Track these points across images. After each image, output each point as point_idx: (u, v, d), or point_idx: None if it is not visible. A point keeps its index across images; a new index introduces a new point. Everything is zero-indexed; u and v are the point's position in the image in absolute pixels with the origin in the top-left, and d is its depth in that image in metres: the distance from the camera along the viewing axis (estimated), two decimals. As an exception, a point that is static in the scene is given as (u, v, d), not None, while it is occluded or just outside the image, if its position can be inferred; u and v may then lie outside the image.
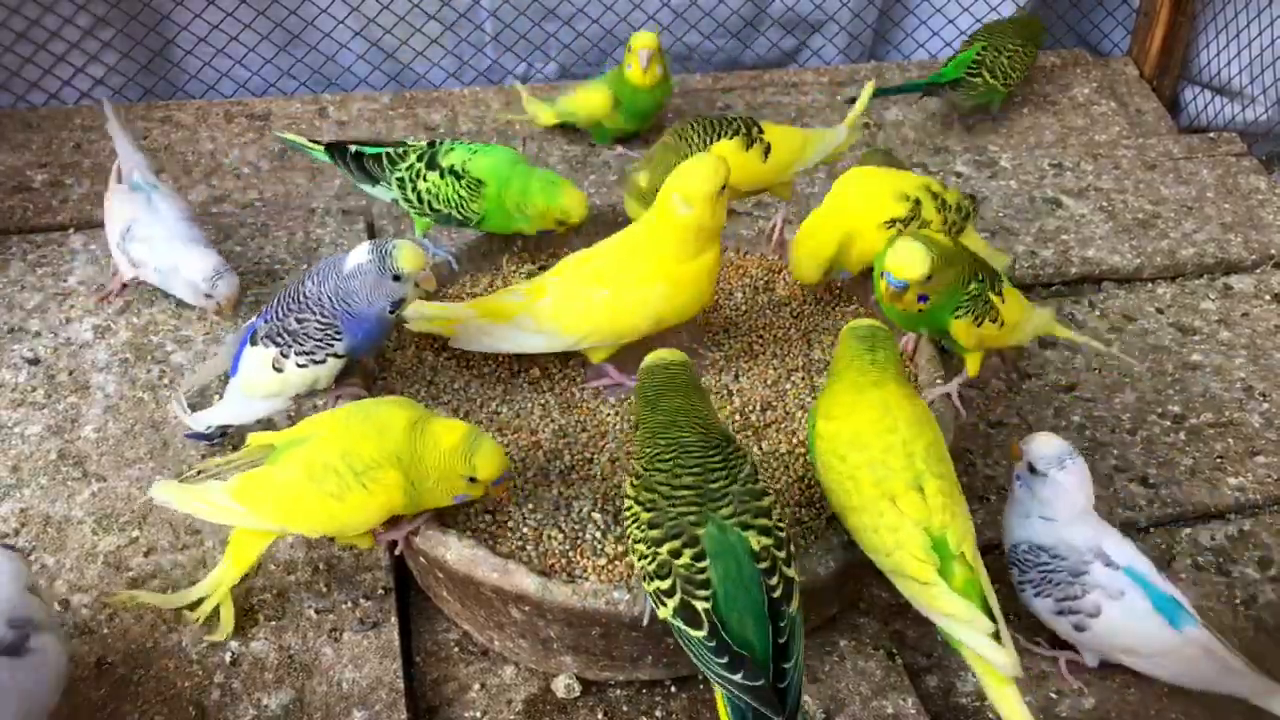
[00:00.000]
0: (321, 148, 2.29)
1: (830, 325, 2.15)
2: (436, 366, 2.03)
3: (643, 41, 2.81)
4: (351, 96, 3.17)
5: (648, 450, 1.63)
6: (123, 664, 1.74)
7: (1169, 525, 2.14)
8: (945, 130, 3.20)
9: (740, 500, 1.56)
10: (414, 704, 1.75)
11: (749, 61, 3.49)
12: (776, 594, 1.50)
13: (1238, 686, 1.73)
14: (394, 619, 1.82)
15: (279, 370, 1.84)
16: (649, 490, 1.58)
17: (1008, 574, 1.85)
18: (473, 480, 1.65)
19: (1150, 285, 2.71)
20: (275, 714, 1.69)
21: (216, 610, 1.77)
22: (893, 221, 2.04)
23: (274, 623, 1.81)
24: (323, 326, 1.82)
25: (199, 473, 1.74)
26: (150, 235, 2.25)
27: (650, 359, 1.74)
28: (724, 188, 1.87)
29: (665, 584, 1.51)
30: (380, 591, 1.86)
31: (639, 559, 1.55)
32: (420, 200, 2.18)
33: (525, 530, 1.75)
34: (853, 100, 3.10)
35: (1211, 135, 3.20)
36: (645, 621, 1.62)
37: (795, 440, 1.92)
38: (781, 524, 1.57)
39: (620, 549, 1.73)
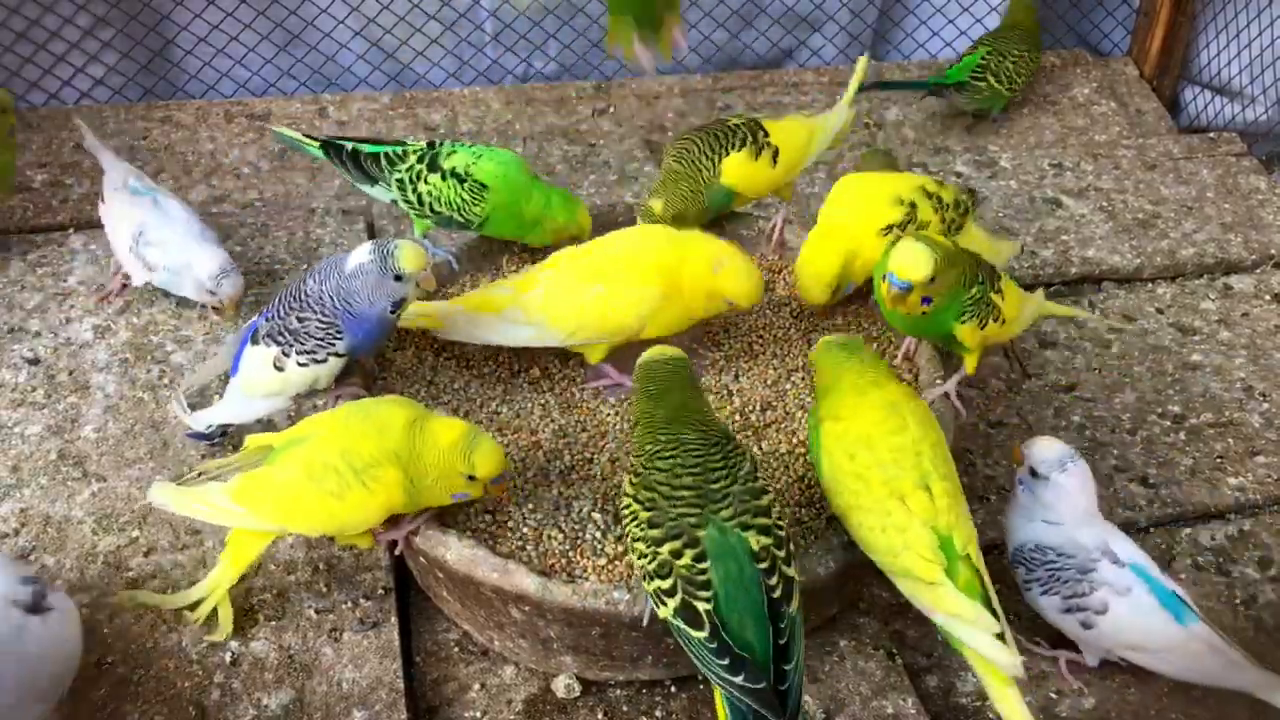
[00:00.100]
0: (316, 143, 2.26)
1: (830, 325, 2.14)
2: (436, 366, 2.03)
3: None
4: (351, 96, 3.17)
5: (647, 447, 1.63)
6: (123, 664, 1.74)
7: (1169, 525, 2.14)
8: (945, 130, 3.20)
9: (740, 500, 1.55)
10: (414, 704, 1.75)
11: (748, 61, 3.49)
12: (776, 594, 1.50)
13: (1241, 681, 1.73)
14: (394, 619, 1.82)
15: (280, 369, 1.84)
16: (648, 489, 1.57)
17: (1011, 574, 1.85)
18: (471, 478, 1.66)
19: (1150, 285, 2.71)
20: (275, 714, 1.69)
21: (215, 610, 1.77)
22: (890, 228, 2.04)
23: (274, 623, 1.81)
24: (324, 325, 1.82)
25: (199, 475, 1.74)
26: (164, 238, 2.25)
27: (648, 354, 1.74)
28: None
29: (666, 583, 1.51)
30: (380, 591, 1.86)
31: (638, 557, 1.55)
32: (421, 202, 2.17)
33: (525, 530, 1.75)
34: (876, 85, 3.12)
35: (1211, 135, 3.20)
36: (645, 621, 1.62)
37: (795, 440, 1.92)
38: (781, 522, 1.57)
39: (620, 549, 1.73)
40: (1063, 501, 1.78)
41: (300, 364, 1.83)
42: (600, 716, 1.76)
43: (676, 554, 1.51)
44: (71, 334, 2.30)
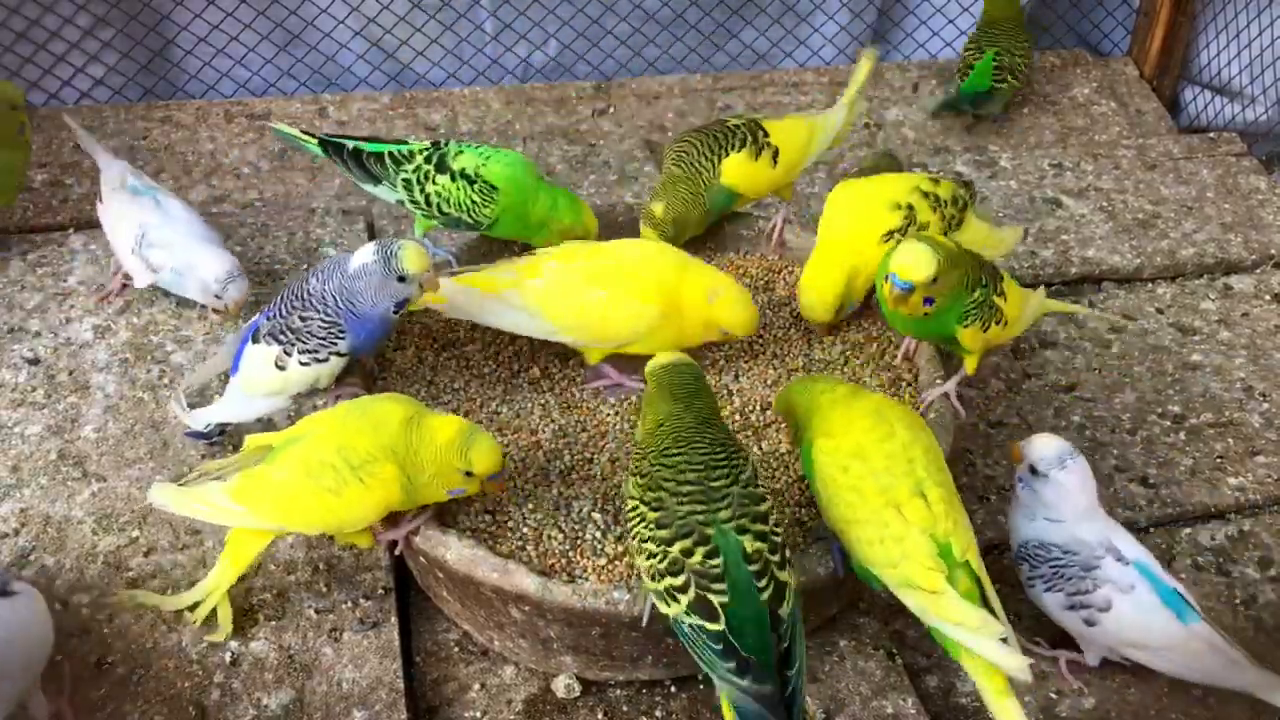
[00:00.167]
0: (314, 140, 2.23)
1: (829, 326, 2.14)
2: (436, 366, 2.03)
3: None
4: (351, 96, 3.17)
5: (655, 443, 1.62)
6: (123, 664, 1.74)
7: (1169, 525, 2.14)
8: (945, 130, 3.20)
9: (740, 503, 1.55)
10: (414, 704, 1.75)
11: (733, 51, 3.48)
12: (765, 596, 1.49)
13: (1241, 681, 1.73)
14: (394, 619, 1.82)
15: (281, 368, 1.84)
16: (654, 490, 1.57)
17: (1014, 572, 1.85)
18: (468, 475, 1.66)
19: (1150, 285, 2.71)
20: (275, 714, 1.69)
21: (215, 611, 1.77)
22: (890, 234, 2.03)
23: (274, 623, 1.81)
24: (326, 325, 1.82)
25: (199, 475, 1.74)
26: (168, 239, 2.24)
27: (670, 358, 1.74)
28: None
29: (679, 580, 1.50)
30: (380, 591, 1.86)
31: (646, 558, 1.54)
32: (429, 203, 2.15)
33: (525, 530, 1.75)
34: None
35: (1211, 135, 3.20)
36: (645, 621, 1.62)
37: (795, 440, 1.92)
38: (778, 530, 1.56)
39: (620, 549, 1.73)
40: (1064, 499, 1.78)
41: (302, 363, 1.83)
42: (600, 716, 1.76)
43: (687, 552, 1.51)
44: (71, 334, 2.30)
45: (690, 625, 1.50)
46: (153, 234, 2.24)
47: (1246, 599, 2.00)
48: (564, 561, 1.71)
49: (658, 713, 1.77)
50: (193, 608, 1.78)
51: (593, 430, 1.94)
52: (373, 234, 2.66)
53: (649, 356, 1.76)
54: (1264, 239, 2.80)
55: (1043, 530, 1.79)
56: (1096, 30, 3.65)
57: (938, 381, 1.99)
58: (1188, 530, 2.12)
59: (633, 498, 1.60)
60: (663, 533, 1.53)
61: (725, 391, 2.01)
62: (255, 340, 1.87)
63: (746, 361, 2.07)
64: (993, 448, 2.25)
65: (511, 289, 1.97)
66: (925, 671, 1.87)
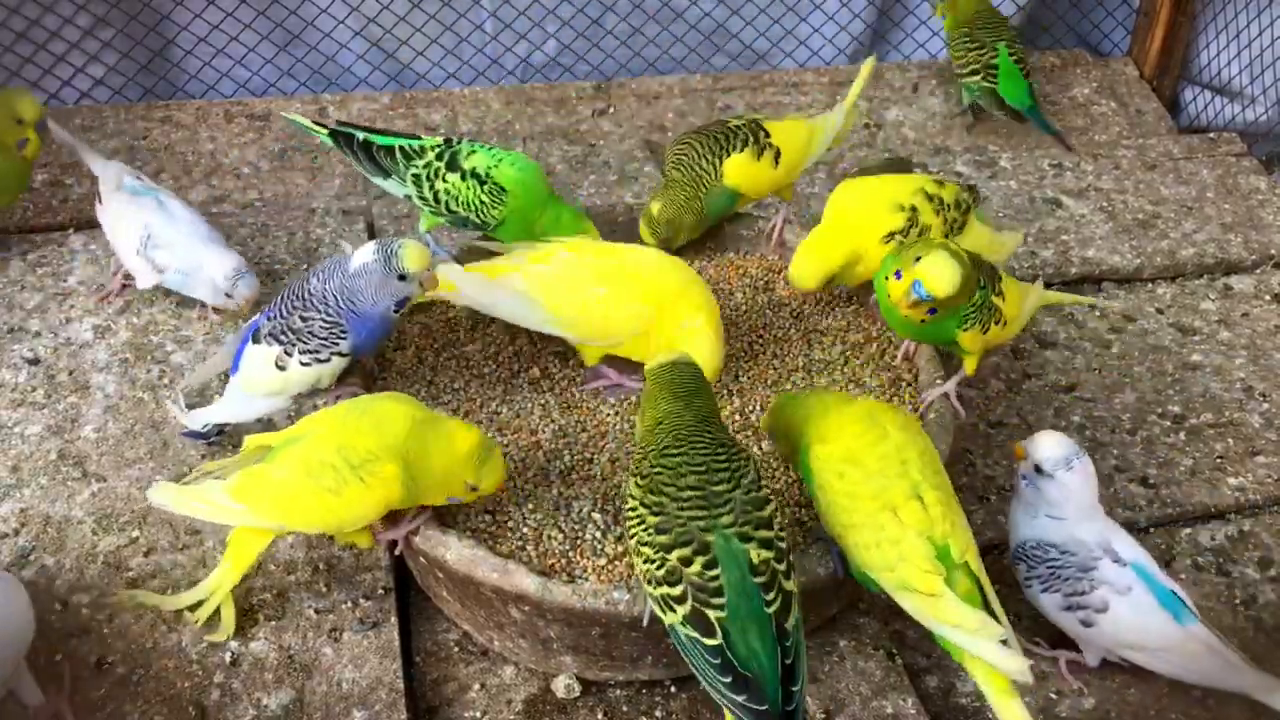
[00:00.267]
0: (326, 131, 2.23)
1: (830, 325, 2.15)
2: (436, 366, 2.03)
3: None
4: (351, 96, 3.17)
5: (656, 442, 1.61)
6: (123, 664, 1.74)
7: (1169, 525, 2.14)
8: (945, 130, 3.20)
9: (742, 509, 1.54)
10: (414, 704, 1.75)
11: (733, 51, 3.48)
12: (773, 608, 1.48)
13: (1239, 682, 1.73)
14: (394, 619, 1.82)
15: (282, 368, 1.84)
16: (654, 493, 1.56)
17: (1012, 572, 1.85)
18: (474, 489, 1.66)
19: (1150, 285, 2.71)
20: (275, 714, 1.69)
21: (217, 611, 1.77)
22: (891, 235, 2.04)
23: (274, 623, 1.81)
24: (328, 325, 1.82)
25: (199, 475, 1.74)
26: (172, 239, 2.24)
27: (663, 357, 1.74)
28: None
29: (676, 590, 1.49)
30: (380, 591, 1.86)
31: (644, 562, 1.54)
32: (437, 200, 2.15)
33: (525, 530, 1.75)
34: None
35: (1211, 135, 3.20)
36: (645, 622, 1.62)
37: (795, 440, 1.92)
38: (783, 535, 1.55)
39: (620, 549, 1.72)
40: (1068, 498, 1.78)
41: (303, 363, 1.83)
42: (600, 716, 1.76)
43: (686, 561, 1.49)
44: (71, 334, 2.30)
45: (687, 636, 1.49)
46: (158, 234, 2.24)
47: (1246, 599, 2.00)
48: (564, 561, 1.71)
49: (658, 713, 1.77)
50: (194, 608, 1.78)
51: (593, 430, 1.94)
52: (373, 234, 2.66)
53: (640, 360, 1.76)
54: (1264, 239, 2.80)
55: (1043, 529, 1.79)
56: (1096, 30, 3.65)
57: (938, 382, 1.99)
58: (1188, 530, 2.13)
59: (632, 498, 1.59)
60: (662, 538, 1.52)
61: (725, 392, 2.01)
62: (256, 340, 1.87)
63: (746, 361, 2.07)
64: (993, 448, 2.25)
65: (515, 273, 1.98)
66: (925, 671, 1.87)
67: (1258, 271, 2.76)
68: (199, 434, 2.02)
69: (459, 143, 2.16)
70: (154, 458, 2.06)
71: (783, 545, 1.54)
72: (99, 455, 2.06)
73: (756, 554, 1.50)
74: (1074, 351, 2.50)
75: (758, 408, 1.98)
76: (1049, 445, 1.79)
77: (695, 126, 2.35)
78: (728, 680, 1.45)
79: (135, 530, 1.94)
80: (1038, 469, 1.79)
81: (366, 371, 1.99)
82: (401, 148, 2.16)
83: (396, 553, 1.79)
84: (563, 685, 1.77)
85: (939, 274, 1.78)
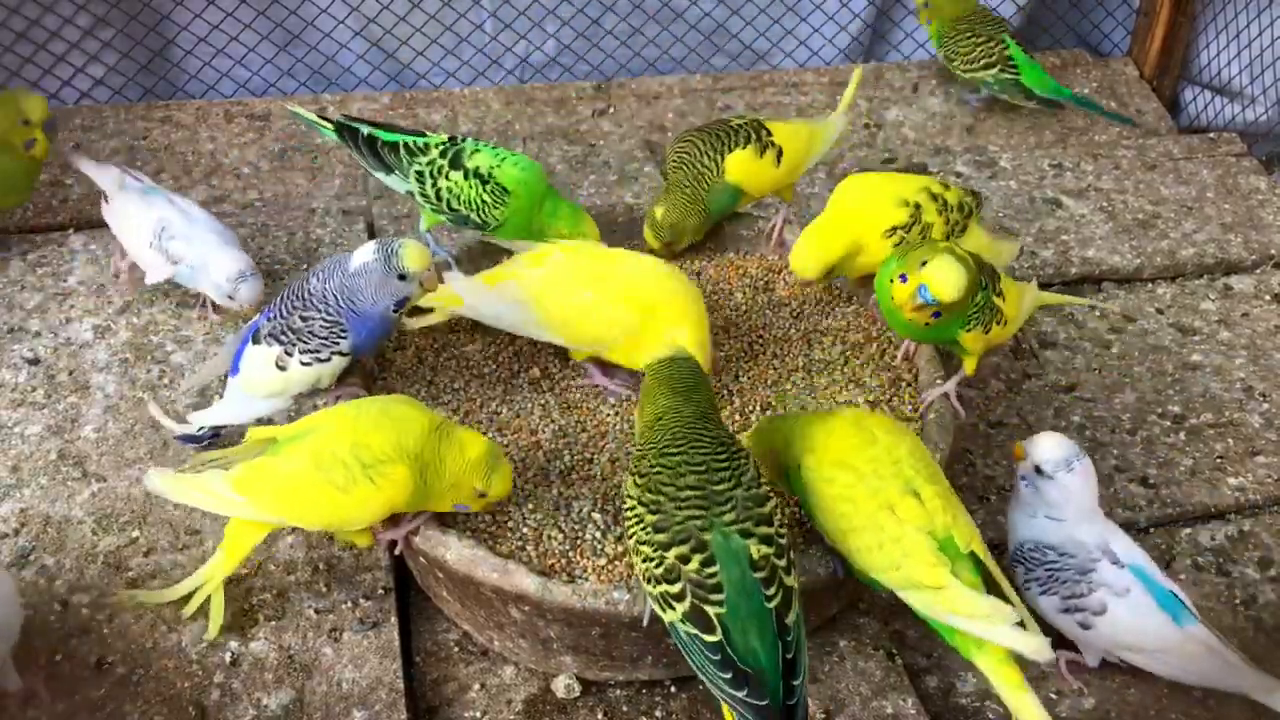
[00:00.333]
0: (332, 126, 2.23)
1: (830, 325, 2.15)
2: (436, 367, 2.03)
3: None
4: (351, 96, 3.17)
5: (654, 440, 1.61)
6: (123, 664, 1.74)
7: (1169, 525, 2.14)
8: (945, 130, 3.20)
9: (743, 506, 1.54)
10: (414, 704, 1.75)
11: (733, 51, 3.49)
12: (773, 603, 1.48)
13: (1239, 683, 1.73)
14: (394, 619, 1.82)
15: (282, 369, 1.84)
16: (652, 492, 1.56)
17: (1010, 573, 1.85)
18: (481, 495, 1.67)
19: (1150, 285, 2.71)
20: (275, 714, 1.69)
21: (207, 607, 1.77)
22: (894, 229, 2.04)
23: (274, 623, 1.81)
24: (328, 325, 1.82)
25: (197, 464, 1.73)
26: (187, 232, 2.22)
27: (661, 352, 1.74)
28: None
29: (674, 588, 1.49)
30: (380, 591, 1.86)
31: (642, 561, 1.54)
32: (439, 198, 2.15)
33: (525, 530, 1.75)
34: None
35: (1211, 135, 3.20)
36: (645, 622, 1.62)
37: (795, 440, 1.92)
38: (783, 531, 1.55)
39: (620, 549, 1.72)
40: (1068, 499, 1.78)
41: (303, 363, 1.83)
42: (600, 716, 1.76)
43: (684, 559, 1.49)
44: (71, 334, 2.30)
45: (687, 633, 1.49)
46: (173, 226, 2.22)
47: (1246, 599, 2.00)
48: (564, 561, 1.71)
49: (658, 713, 1.77)
50: (187, 601, 1.77)
51: (593, 430, 1.94)
52: (373, 234, 2.66)
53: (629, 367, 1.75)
54: (1264, 239, 2.80)
55: (1042, 530, 1.79)
56: (1096, 30, 3.65)
57: (938, 382, 1.99)
58: (1187, 530, 2.12)
59: (630, 497, 1.60)
60: (660, 536, 1.52)
61: (725, 392, 2.01)
62: (256, 341, 1.87)
63: (746, 361, 2.07)
64: (993, 448, 2.25)
65: (511, 280, 1.97)
66: (925, 671, 1.87)
67: (1258, 271, 2.76)
68: (194, 438, 2.01)
69: (463, 141, 2.16)
70: (154, 458, 2.06)
71: (783, 541, 1.54)
72: (99, 455, 2.06)
73: (757, 549, 1.50)
74: (1074, 351, 2.50)
75: (758, 408, 1.98)
76: (1049, 447, 1.79)
77: (696, 125, 2.35)
78: (727, 676, 1.45)
79: (135, 530, 1.94)
80: (1038, 470, 1.79)
81: (366, 371, 2.00)
82: (406, 144, 2.16)
83: (396, 553, 1.79)
84: (563, 685, 1.77)
85: (945, 279, 1.78)
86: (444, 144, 2.16)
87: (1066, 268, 2.68)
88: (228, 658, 1.75)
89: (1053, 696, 1.83)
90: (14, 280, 2.43)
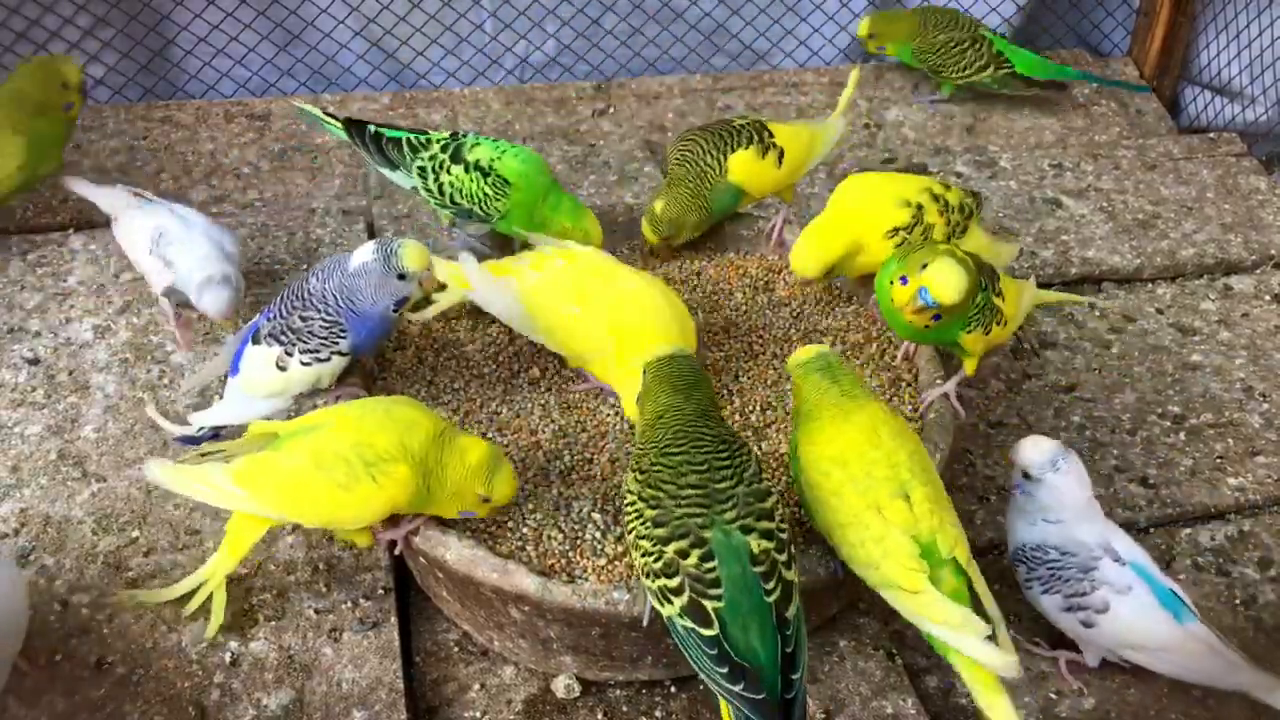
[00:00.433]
0: (339, 123, 2.24)
1: (830, 325, 2.15)
2: (436, 367, 2.03)
3: None
4: (351, 96, 3.17)
5: (656, 438, 1.62)
6: (123, 664, 1.74)
7: (1169, 525, 2.14)
8: (945, 130, 3.20)
9: (745, 502, 1.54)
10: (414, 704, 1.75)
11: (733, 51, 3.49)
12: (773, 598, 1.48)
13: (1239, 681, 1.73)
14: (394, 619, 1.82)
15: (282, 369, 1.84)
16: (653, 487, 1.56)
17: (1012, 573, 1.85)
18: (485, 500, 1.67)
19: (1150, 285, 2.71)
20: (275, 714, 1.69)
21: (208, 606, 1.77)
22: (895, 230, 2.04)
23: (274, 623, 1.81)
24: (327, 324, 1.82)
25: (203, 455, 1.73)
26: (184, 237, 2.18)
27: (660, 350, 1.73)
28: None
29: (673, 582, 1.49)
30: (380, 591, 1.86)
31: (641, 555, 1.54)
32: (442, 192, 2.16)
33: (525, 530, 1.75)
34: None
35: (1211, 135, 3.20)
36: (645, 621, 1.62)
37: (795, 440, 1.92)
38: (784, 526, 1.56)
39: (620, 549, 1.72)
40: (1061, 500, 1.77)
41: (303, 363, 1.83)
42: (600, 716, 1.76)
43: (683, 554, 1.50)
44: (71, 334, 2.30)
45: (684, 627, 1.49)
46: (169, 232, 2.20)
47: (1246, 599, 2.00)
48: (564, 561, 1.71)
49: (658, 713, 1.77)
50: (188, 599, 1.77)
51: (593, 430, 1.94)
52: (373, 234, 2.66)
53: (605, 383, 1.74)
54: (1264, 239, 2.80)
55: (1041, 533, 1.79)
56: (1096, 30, 3.65)
57: (938, 382, 1.99)
58: (1187, 530, 2.12)
59: (630, 492, 1.60)
60: (659, 531, 1.53)
61: (725, 391, 2.01)
62: (255, 341, 1.87)
63: (746, 361, 2.07)
64: (993, 448, 2.25)
65: (512, 277, 1.98)
66: (925, 671, 1.87)
67: (1258, 272, 2.76)
68: (193, 439, 2.00)
69: (464, 136, 2.18)
70: (154, 458, 2.05)
71: (784, 536, 1.54)
72: (99, 455, 2.06)
73: (757, 544, 1.51)
74: (1074, 351, 2.50)
75: (758, 408, 1.98)
76: (1032, 450, 1.79)
77: (697, 125, 2.36)
78: (724, 671, 1.45)
79: (135, 530, 1.94)
80: (1026, 475, 1.79)
81: (366, 371, 2.00)
82: (409, 140, 2.18)
83: (396, 553, 1.79)
84: (563, 685, 1.77)
85: (946, 281, 1.78)
86: (445, 140, 2.17)
87: (1066, 268, 2.68)
88: (228, 658, 1.75)
89: (1053, 696, 1.83)
90: (14, 280, 2.43)
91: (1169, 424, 2.33)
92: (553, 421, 1.94)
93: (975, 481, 2.18)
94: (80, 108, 2.50)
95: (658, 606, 1.53)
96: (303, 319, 1.83)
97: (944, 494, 1.66)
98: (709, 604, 1.48)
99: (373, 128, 2.21)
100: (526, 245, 2.16)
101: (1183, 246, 2.76)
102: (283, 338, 1.84)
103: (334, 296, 1.83)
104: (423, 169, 2.16)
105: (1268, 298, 2.68)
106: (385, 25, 3.26)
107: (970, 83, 3.16)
